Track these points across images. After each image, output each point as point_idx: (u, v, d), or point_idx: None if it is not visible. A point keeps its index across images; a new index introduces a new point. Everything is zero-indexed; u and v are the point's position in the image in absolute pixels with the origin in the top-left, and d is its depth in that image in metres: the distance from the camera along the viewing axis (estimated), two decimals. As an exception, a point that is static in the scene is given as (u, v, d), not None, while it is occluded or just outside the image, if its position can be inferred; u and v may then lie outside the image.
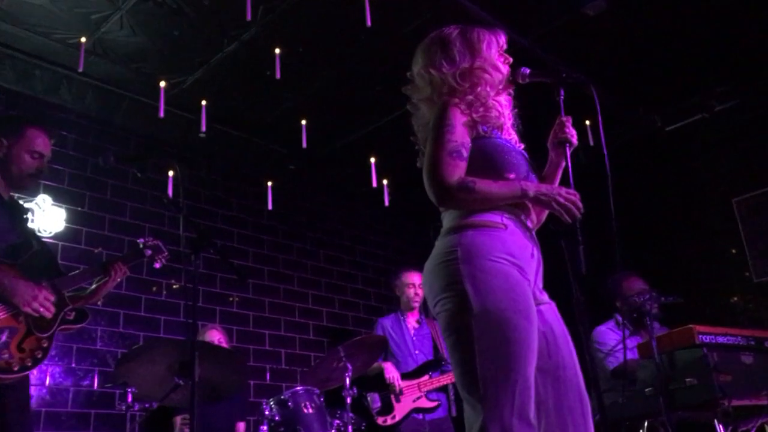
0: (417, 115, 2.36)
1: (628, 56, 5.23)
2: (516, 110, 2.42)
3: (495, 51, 2.31)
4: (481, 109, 2.20)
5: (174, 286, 5.37)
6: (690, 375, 3.22)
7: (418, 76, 2.34)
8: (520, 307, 1.96)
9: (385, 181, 6.05)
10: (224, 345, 4.71)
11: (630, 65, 5.34)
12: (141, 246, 3.27)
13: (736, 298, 5.87)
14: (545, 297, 2.19)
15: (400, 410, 4.75)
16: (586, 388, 2.09)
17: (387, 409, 4.75)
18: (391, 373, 4.79)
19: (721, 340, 3.34)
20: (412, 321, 5.11)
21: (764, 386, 3.30)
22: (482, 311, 1.94)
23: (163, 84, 4.80)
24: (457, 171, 2.08)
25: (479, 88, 2.22)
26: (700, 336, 3.29)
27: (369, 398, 4.77)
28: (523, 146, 2.38)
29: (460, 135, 2.13)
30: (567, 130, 2.30)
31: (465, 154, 2.12)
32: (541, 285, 2.19)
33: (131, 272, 4.98)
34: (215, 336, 4.68)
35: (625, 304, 4.25)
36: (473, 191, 2.05)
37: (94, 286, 3.09)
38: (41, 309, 2.72)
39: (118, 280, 3.15)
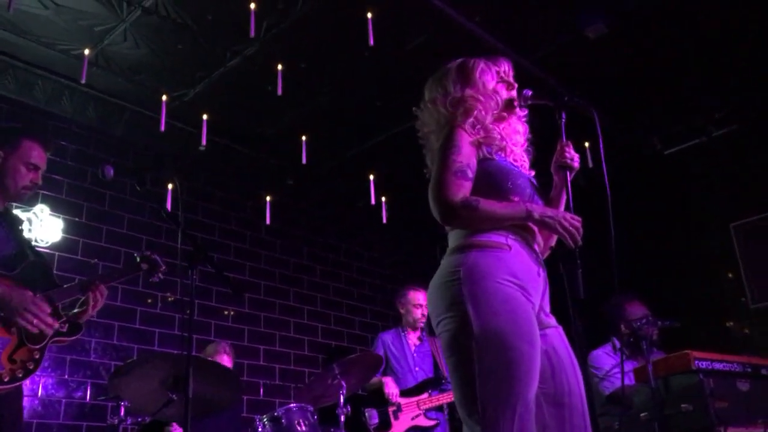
0: (427, 147, 2.38)
1: (628, 79, 5.26)
2: (530, 136, 2.44)
3: (491, 77, 2.35)
4: (481, 132, 2.23)
5: (169, 299, 5.35)
6: (686, 401, 3.21)
7: (423, 110, 2.40)
8: (522, 329, 1.95)
9: (383, 198, 6.05)
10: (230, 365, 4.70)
11: (629, 88, 5.36)
12: (138, 260, 3.25)
13: (732, 323, 5.87)
14: (552, 320, 2.18)
15: (398, 427, 4.72)
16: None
17: (385, 425, 4.72)
18: (391, 388, 4.77)
19: (717, 366, 3.32)
20: (413, 338, 5.09)
21: (760, 414, 3.29)
22: (483, 333, 1.93)
23: (164, 98, 4.82)
24: (462, 190, 2.09)
25: (475, 112, 2.25)
26: (697, 362, 3.27)
27: (367, 414, 4.74)
28: (533, 173, 2.40)
29: (466, 156, 2.15)
30: (567, 155, 2.31)
31: (470, 174, 2.14)
32: (548, 308, 2.19)
33: (126, 284, 5.03)
34: (226, 361, 4.65)
35: (624, 328, 4.24)
36: (477, 210, 2.06)
37: (77, 310, 3.04)
38: (36, 322, 2.70)
39: (100, 304, 3.08)
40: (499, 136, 2.29)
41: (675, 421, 3.22)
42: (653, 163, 6.34)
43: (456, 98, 2.29)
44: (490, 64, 2.38)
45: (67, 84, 4.97)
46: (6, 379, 2.61)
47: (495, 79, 2.35)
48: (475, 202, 2.07)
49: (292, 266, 6.43)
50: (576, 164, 2.33)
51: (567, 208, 2.28)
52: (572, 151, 2.34)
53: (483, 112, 2.27)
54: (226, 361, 4.65)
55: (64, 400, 4.68)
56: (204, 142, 4.94)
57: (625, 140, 5.99)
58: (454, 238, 2.18)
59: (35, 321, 2.70)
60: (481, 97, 2.29)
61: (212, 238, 5.88)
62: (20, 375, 2.66)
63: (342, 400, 4.06)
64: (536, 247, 2.22)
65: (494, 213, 2.09)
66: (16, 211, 4.29)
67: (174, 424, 4.10)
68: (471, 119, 2.24)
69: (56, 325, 2.78)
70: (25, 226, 3.60)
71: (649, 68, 5.14)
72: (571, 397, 2.06)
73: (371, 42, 4.07)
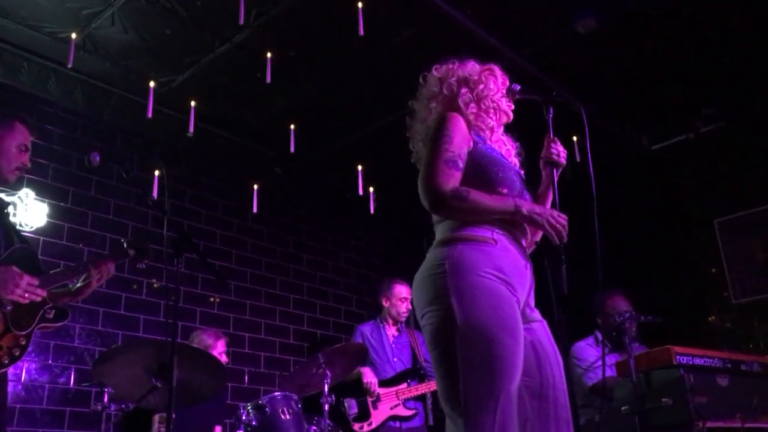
0: (415, 140, 2.39)
1: (617, 75, 5.28)
2: (518, 143, 2.47)
3: (494, 82, 2.39)
4: (473, 106, 2.26)
5: (155, 285, 5.33)
6: (666, 395, 3.24)
7: (419, 105, 2.43)
8: (506, 323, 1.97)
9: (371, 189, 6.05)
10: (225, 355, 4.71)
11: (618, 84, 5.39)
12: (125, 245, 3.24)
13: (714, 318, 5.93)
14: (537, 315, 2.20)
15: (377, 417, 4.74)
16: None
17: (364, 415, 4.74)
18: (369, 377, 4.79)
19: (698, 361, 3.36)
20: (392, 329, 5.11)
21: (739, 409, 3.33)
22: (467, 326, 1.95)
23: (152, 84, 4.78)
24: (452, 180, 2.11)
25: (481, 86, 2.31)
26: (678, 357, 3.31)
27: (346, 404, 4.76)
28: (523, 171, 2.41)
29: (457, 146, 2.16)
30: (553, 151, 2.32)
31: (460, 164, 2.15)
32: (532, 303, 2.21)
33: (112, 270, 5.00)
34: (222, 347, 4.67)
35: (605, 322, 4.28)
36: (466, 200, 2.07)
37: (79, 284, 3.05)
38: (27, 295, 2.69)
39: (105, 279, 3.11)
40: (493, 112, 2.34)
41: (655, 415, 3.26)
42: (640, 159, 6.38)
43: (462, 77, 2.35)
44: (493, 69, 2.43)
45: (54, 67, 4.91)
46: (-9, 365, 2.60)
47: (498, 87, 2.40)
48: (465, 192, 2.08)
49: (279, 255, 6.43)
50: (563, 160, 2.34)
51: (553, 204, 2.29)
52: (559, 147, 2.35)
53: (484, 91, 2.33)
54: (222, 347, 4.67)
55: (47, 386, 4.66)
56: (192, 129, 4.91)
57: (614, 135, 6.01)
58: (440, 231, 2.19)
59: (27, 295, 2.68)
60: (478, 84, 2.35)
61: (199, 225, 5.86)
62: (6, 361, 2.65)
63: (326, 390, 4.07)
64: (524, 242, 2.23)
65: (483, 205, 2.10)
66: (1, 195, 4.28)
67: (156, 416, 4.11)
68: (473, 95, 2.30)
69: (44, 294, 2.77)
70: (10, 210, 3.57)
71: (638, 64, 5.17)
72: (555, 390, 2.08)
73: (361, 32, 4.05)
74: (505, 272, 2.05)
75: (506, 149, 2.42)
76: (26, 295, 2.70)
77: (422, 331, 2.10)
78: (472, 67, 2.38)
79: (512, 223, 2.18)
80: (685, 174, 6.32)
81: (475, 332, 1.94)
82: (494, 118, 2.36)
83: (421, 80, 2.47)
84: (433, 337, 2.03)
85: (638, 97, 5.62)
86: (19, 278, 2.70)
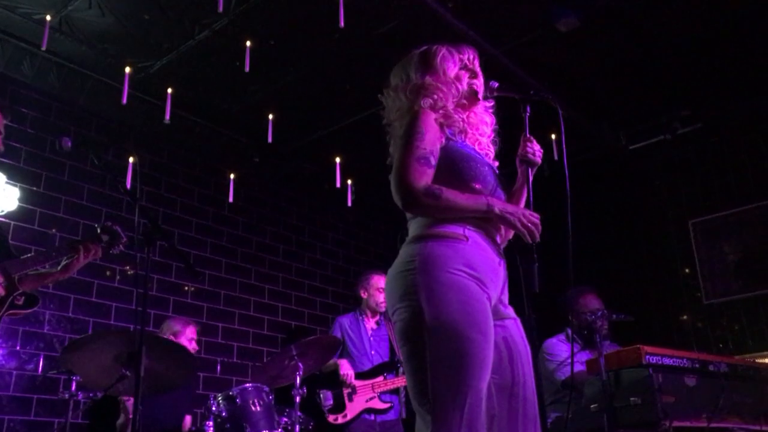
0: (390, 134, 2.36)
1: (597, 74, 5.30)
2: (497, 127, 2.45)
3: (453, 64, 2.34)
4: (441, 113, 2.23)
5: (129, 272, 5.28)
6: (635, 394, 3.27)
7: (386, 96, 2.39)
8: (475, 320, 1.96)
9: (349, 181, 6.03)
10: (195, 343, 4.67)
11: (598, 83, 5.41)
12: (98, 231, 3.19)
13: (685, 317, 6.00)
14: (510, 312, 2.19)
15: (352, 409, 4.75)
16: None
17: (339, 407, 4.74)
18: (346, 369, 4.79)
19: (667, 361, 3.39)
20: (371, 322, 5.11)
21: (705, 409, 3.37)
22: (435, 323, 1.95)
23: (128, 70, 4.71)
24: (425, 177, 2.09)
25: (435, 97, 2.25)
26: (647, 356, 3.34)
27: (321, 395, 4.76)
28: (497, 164, 2.40)
29: (429, 143, 2.15)
30: (529, 150, 2.32)
31: (433, 162, 2.14)
32: (506, 300, 2.21)
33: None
34: (192, 333, 4.63)
35: (577, 320, 4.31)
36: (439, 198, 2.06)
37: (65, 262, 3.01)
38: None
39: (88, 260, 3.08)
40: (460, 120, 2.29)
41: (623, 414, 3.29)
42: (617, 158, 6.42)
43: (416, 85, 2.29)
44: (454, 51, 2.37)
45: (29, 49, 4.82)
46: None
47: (457, 66, 2.34)
48: (438, 191, 2.07)
49: (255, 245, 6.39)
50: (538, 159, 2.34)
51: (528, 203, 2.29)
52: (535, 146, 2.35)
53: (443, 100, 2.26)
54: (193, 333, 4.64)
55: (15, 372, 4.60)
56: (168, 116, 4.85)
57: (591, 134, 6.05)
58: (413, 228, 2.18)
59: None
60: (441, 85, 2.28)
61: (174, 213, 5.80)
62: None
63: (298, 382, 4.06)
64: (498, 238, 2.23)
65: (456, 204, 2.09)
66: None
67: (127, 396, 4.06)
68: (431, 100, 2.24)
69: (2, 291, 2.72)
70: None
71: (617, 64, 5.20)
72: (525, 388, 2.09)
73: (341, 24, 4.02)
74: (475, 269, 2.04)
75: (486, 152, 2.41)
76: None
77: (393, 327, 2.10)
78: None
79: (486, 220, 2.17)
80: (661, 174, 6.38)
81: (443, 329, 1.94)
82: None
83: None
84: (402, 334, 2.02)
85: (617, 96, 5.65)
86: None
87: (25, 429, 4.55)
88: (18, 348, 4.65)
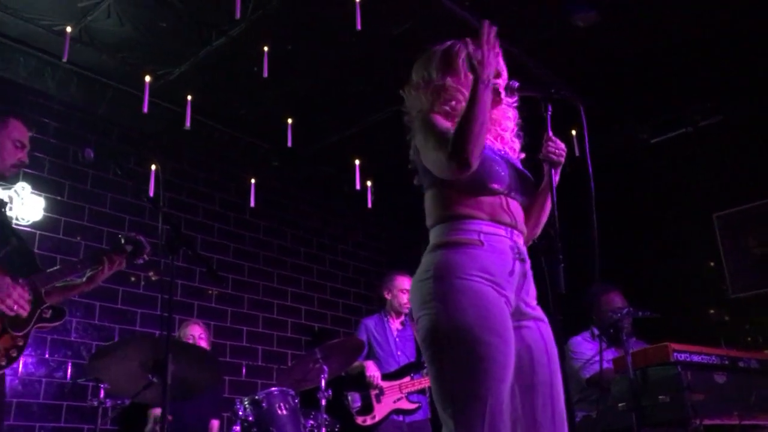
0: (411, 131, 2.35)
1: (616, 68, 5.24)
2: (520, 121, 2.42)
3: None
4: (457, 119, 2.21)
5: (153, 278, 5.32)
6: (663, 392, 3.24)
7: (407, 94, 2.38)
8: (492, 323, 1.96)
9: (368, 183, 6.03)
10: (204, 340, 4.68)
11: (617, 77, 5.35)
12: (122, 241, 3.22)
13: (712, 312, 5.93)
14: (536, 312, 2.18)
15: (380, 411, 4.74)
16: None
17: (367, 409, 4.74)
18: (372, 371, 4.79)
19: (695, 358, 3.36)
20: (396, 323, 5.11)
21: (736, 406, 3.33)
22: (453, 329, 1.96)
23: (148, 78, 4.75)
24: (447, 136, 2.07)
25: (453, 102, 2.23)
26: (675, 354, 3.31)
27: (349, 397, 4.76)
28: (523, 155, 2.38)
29: (442, 125, 2.15)
30: (550, 149, 2.30)
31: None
32: (532, 301, 2.19)
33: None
34: (196, 331, 4.65)
35: (601, 318, 4.27)
36: (460, 128, 2.02)
37: (89, 273, 3.04)
38: (15, 307, 2.67)
39: (113, 271, 3.10)
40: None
41: (652, 412, 3.26)
42: (639, 152, 6.35)
43: (437, 86, 2.27)
44: (477, 50, 2.34)
45: (50, 60, 4.88)
46: (-11, 367, 2.59)
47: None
48: (453, 135, 2.04)
49: (276, 248, 6.41)
50: (562, 158, 2.31)
51: (552, 204, 2.27)
52: (557, 145, 2.32)
53: (463, 102, 2.23)
54: (196, 330, 4.66)
55: (44, 380, 4.66)
56: (188, 123, 4.88)
57: (612, 129, 5.99)
58: (432, 236, 2.19)
59: (14, 306, 2.67)
60: (462, 88, 2.26)
61: (196, 219, 5.84)
62: (3, 363, 2.63)
63: (323, 384, 4.07)
64: (518, 237, 2.20)
65: (470, 115, 2.03)
66: (-2, 191, 4.27)
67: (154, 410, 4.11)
68: (447, 108, 2.23)
69: (28, 308, 2.75)
70: (6, 207, 3.54)
71: (637, 57, 5.13)
72: (551, 388, 2.07)
73: (359, 26, 4.02)
74: (492, 273, 2.04)
75: (510, 146, 2.39)
76: (15, 307, 2.68)
77: (417, 332, 2.11)
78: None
79: (503, 215, 2.15)
80: (684, 168, 6.30)
81: (460, 334, 1.95)
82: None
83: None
84: (423, 341, 2.05)
85: (637, 90, 5.59)
86: (12, 289, 2.68)
87: (56, 436, 4.61)
88: (47, 356, 4.71)
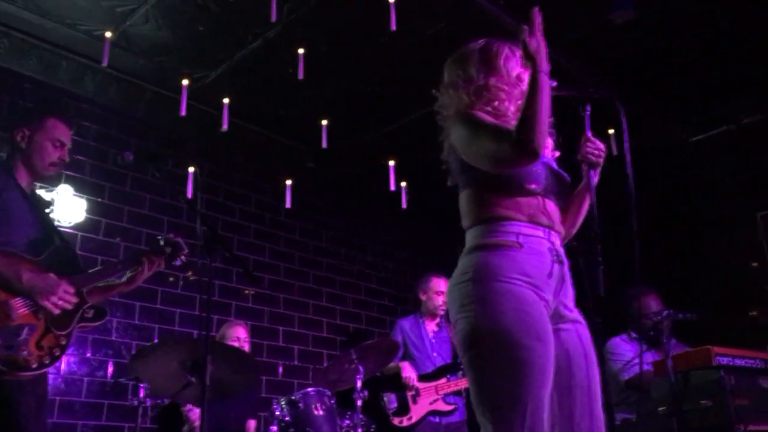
0: (445, 130, 2.33)
1: (655, 65, 5.15)
2: (552, 119, 2.39)
3: (515, 63, 2.28)
4: (502, 119, 2.18)
5: (191, 278, 5.38)
6: (705, 397, 3.18)
7: (443, 93, 2.34)
8: (532, 327, 1.94)
9: (403, 183, 6.02)
10: (248, 342, 4.72)
11: (656, 74, 5.26)
12: (161, 243, 3.26)
13: (755, 313, 5.79)
14: (574, 314, 2.15)
15: (417, 412, 4.74)
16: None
17: (403, 410, 4.74)
18: (408, 372, 4.78)
19: (739, 362, 3.28)
20: (431, 324, 5.09)
21: (782, 411, 3.24)
22: (492, 333, 1.94)
23: (185, 81, 4.81)
24: (504, 127, 2.05)
25: (496, 103, 2.20)
26: (718, 358, 3.23)
27: (385, 398, 4.76)
28: (558, 153, 2.35)
29: (491, 120, 2.12)
30: (589, 149, 2.27)
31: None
32: (570, 303, 2.16)
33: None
34: (242, 333, 4.66)
35: (638, 323, 4.20)
36: (525, 118, 1.98)
37: (129, 274, 3.09)
38: (60, 303, 2.72)
39: (152, 271, 3.15)
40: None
41: (693, 417, 3.19)
42: (679, 151, 6.23)
43: (479, 86, 2.23)
44: (515, 48, 2.29)
45: (90, 64, 4.98)
46: (34, 366, 2.64)
47: (519, 66, 2.27)
48: (514, 127, 2.00)
49: (311, 249, 6.45)
50: (601, 159, 2.28)
51: (591, 206, 2.24)
52: (596, 145, 2.28)
53: (506, 103, 2.21)
54: (242, 333, 4.67)
55: (86, 379, 4.75)
56: (225, 126, 4.93)
57: (651, 127, 5.89)
58: (469, 238, 2.16)
59: (60, 303, 2.72)
60: (505, 87, 2.23)
61: (233, 220, 5.90)
62: (47, 361, 2.68)
63: (359, 385, 4.07)
64: (555, 238, 2.17)
65: (534, 105, 1.98)
66: (40, 191, 4.35)
67: (188, 405, 4.14)
68: (489, 108, 2.20)
69: (75, 300, 2.80)
70: (50, 209, 3.60)
71: (677, 54, 5.03)
72: (588, 391, 2.05)
73: (393, 27, 4.02)
74: (531, 275, 2.02)
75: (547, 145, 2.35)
76: (59, 303, 2.73)
77: (455, 337, 2.10)
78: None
79: (541, 216, 2.12)
80: (726, 166, 6.16)
81: (500, 338, 1.93)
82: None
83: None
84: (461, 344, 2.03)
85: (676, 87, 5.48)
86: (56, 286, 2.73)
87: (97, 434, 4.69)
88: (88, 355, 4.80)
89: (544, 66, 2.05)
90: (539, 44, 2.07)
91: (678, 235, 6.16)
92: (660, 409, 3.34)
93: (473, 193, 2.18)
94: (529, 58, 2.06)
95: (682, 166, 6.32)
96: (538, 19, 2.10)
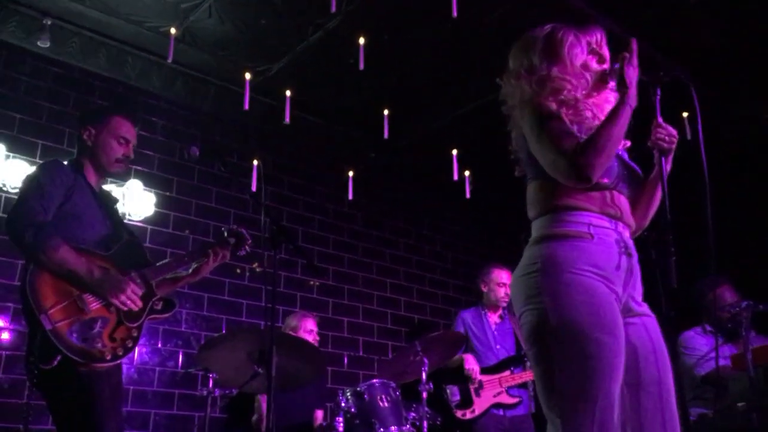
0: (511, 120, 2.26)
1: (729, 45, 4.92)
2: None
3: (581, 51, 2.19)
4: (570, 111, 2.10)
5: (257, 270, 5.46)
6: (788, 392, 3.03)
7: (506, 82, 2.27)
8: (603, 321, 1.89)
9: (466, 173, 5.95)
10: (317, 334, 4.76)
11: (731, 54, 5.02)
12: (225, 234, 3.31)
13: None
14: (643, 308, 2.08)
15: (480, 405, 4.68)
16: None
17: (466, 402, 4.69)
18: (471, 364, 4.73)
19: (824, 356, 3.11)
20: (494, 316, 5.02)
21: None
22: (561, 326, 1.88)
23: (248, 75, 4.86)
24: (569, 140, 1.99)
25: (563, 94, 2.12)
26: (801, 351, 3.07)
27: (448, 391, 4.73)
28: (629, 143, 2.26)
29: (557, 123, 2.05)
30: (660, 135, 2.17)
31: (574, 132, 2.03)
32: (638, 297, 2.09)
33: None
34: (312, 325, 4.71)
35: (713, 315, 4.03)
36: (593, 142, 1.95)
37: (195, 265, 3.15)
38: (128, 302, 2.79)
39: (218, 263, 3.20)
40: (590, 114, 2.14)
41: (776, 414, 3.05)
42: (758, 134, 5.94)
43: (543, 77, 2.15)
44: (580, 34, 2.20)
45: (156, 60, 5.10)
46: (108, 357, 2.71)
47: (585, 52, 2.19)
48: (584, 143, 1.95)
49: (375, 239, 6.45)
50: (673, 146, 2.18)
51: (663, 194, 2.14)
52: (668, 131, 2.18)
53: (572, 92, 2.13)
54: (311, 324, 4.71)
55: (157, 368, 4.88)
56: (288, 118, 4.96)
57: (727, 109, 5.63)
58: (535, 228, 2.10)
59: (128, 302, 2.79)
60: (569, 77, 2.14)
61: (297, 211, 5.96)
62: (120, 353, 2.75)
63: (424, 377, 4.05)
64: (625, 229, 2.09)
65: (607, 133, 1.97)
66: (111, 187, 4.48)
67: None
68: (557, 100, 2.11)
69: (140, 304, 2.86)
70: (119, 205, 3.70)
71: (753, 33, 4.79)
72: (660, 386, 1.98)
73: (455, 13, 3.95)
74: (602, 267, 1.95)
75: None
76: (127, 303, 2.80)
77: (521, 330, 2.04)
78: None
79: (612, 208, 2.05)
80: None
81: (569, 331, 1.87)
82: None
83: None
84: (529, 337, 1.98)
85: (754, 67, 5.21)
86: (125, 285, 2.80)
87: (169, 422, 4.81)
88: (159, 345, 4.92)
89: (632, 101, 2.04)
90: (635, 76, 2.07)
91: (755, 223, 5.89)
92: (739, 404, 3.20)
93: (543, 183, 2.11)
94: (623, 86, 2.06)
95: (762, 150, 6.03)
96: (635, 48, 2.08)
